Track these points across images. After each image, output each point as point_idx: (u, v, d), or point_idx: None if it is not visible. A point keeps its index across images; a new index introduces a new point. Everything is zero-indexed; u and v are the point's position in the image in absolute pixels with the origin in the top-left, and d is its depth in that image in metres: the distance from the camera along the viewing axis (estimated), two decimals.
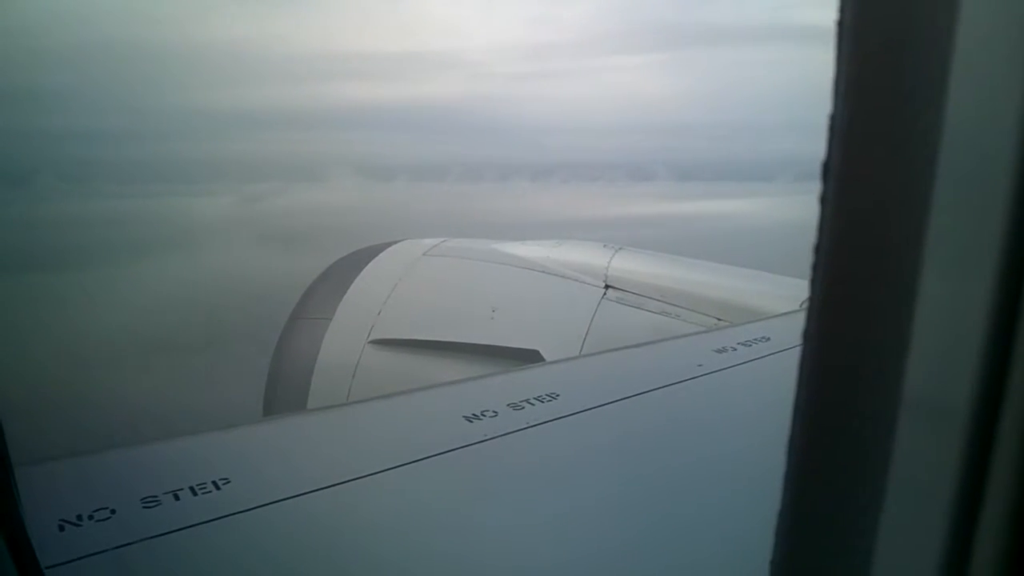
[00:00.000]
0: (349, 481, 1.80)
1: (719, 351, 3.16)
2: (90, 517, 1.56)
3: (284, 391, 4.95)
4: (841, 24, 0.54)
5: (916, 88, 0.52)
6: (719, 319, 4.51)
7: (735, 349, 3.19)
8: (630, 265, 5.14)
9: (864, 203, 0.55)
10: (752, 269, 5.28)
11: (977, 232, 0.48)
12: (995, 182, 0.46)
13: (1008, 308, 0.46)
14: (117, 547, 1.46)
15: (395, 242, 5.82)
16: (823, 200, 0.56)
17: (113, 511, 1.59)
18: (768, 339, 3.33)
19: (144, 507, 1.62)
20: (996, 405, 0.47)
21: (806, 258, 0.60)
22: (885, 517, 0.57)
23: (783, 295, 4.40)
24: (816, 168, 0.58)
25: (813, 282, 0.59)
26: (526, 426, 2.21)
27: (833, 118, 0.54)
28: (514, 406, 2.35)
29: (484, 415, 2.27)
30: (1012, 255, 0.46)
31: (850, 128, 0.54)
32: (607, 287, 5.00)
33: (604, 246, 5.43)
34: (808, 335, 0.60)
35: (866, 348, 0.58)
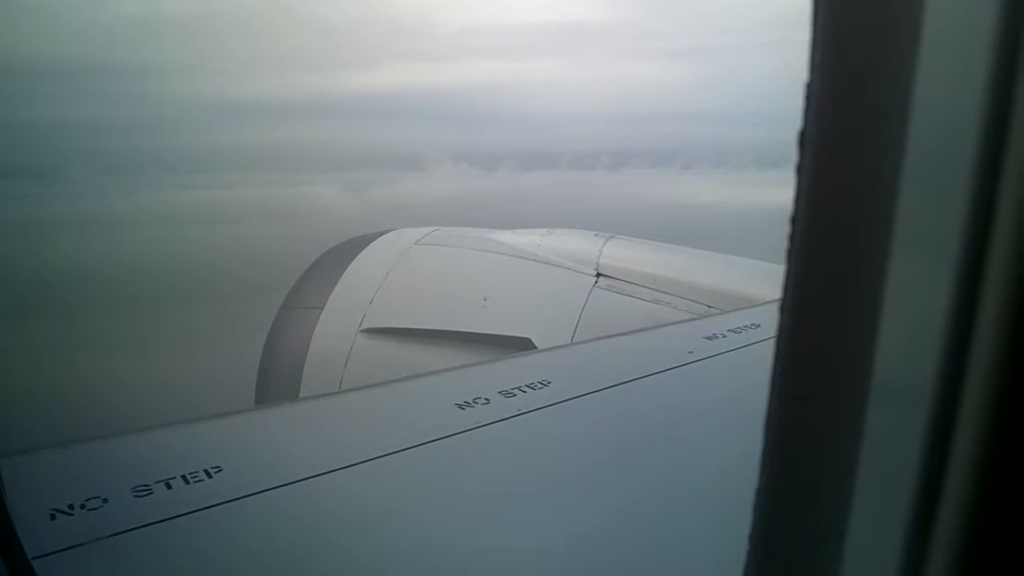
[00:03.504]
0: (341, 469, 1.81)
1: (709, 338, 3.18)
2: (82, 506, 1.55)
3: (276, 380, 4.95)
4: None
5: (888, 62, 0.53)
6: (710, 307, 4.53)
7: (725, 336, 3.21)
8: (621, 253, 5.15)
9: (838, 175, 0.56)
10: (742, 256, 5.29)
11: (944, 208, 0.49)
12: (962, 159, 0.47)
13: (971, 286, 0.47)
14: (109, 536, 1.46)
15: (386, 231, 5.82)
16: (799, 170, 0.57)
17: (105, 500, 1.58)
18: (758, 326, 3.35)
19: (136, 496, 1.62)
20: (959, 388, 0.49)
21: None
22: (856, 494, 0.58)
23: (773, 282, 4.42)
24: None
25: (789, 253, 0.60)
26: (518, 413, 2.23)
27: (809, 87, 0.55)
28: (506, 393, 2.36)
29: (476, 402, 2.28)
30: (977, 232, 0.47)
31: (825, 98, 0.55)
32: (598, 275, 5.01)
33: (595, 234, 5.44)
34: (784, 307, 0.61)
35: (840, 322, 0.59)
